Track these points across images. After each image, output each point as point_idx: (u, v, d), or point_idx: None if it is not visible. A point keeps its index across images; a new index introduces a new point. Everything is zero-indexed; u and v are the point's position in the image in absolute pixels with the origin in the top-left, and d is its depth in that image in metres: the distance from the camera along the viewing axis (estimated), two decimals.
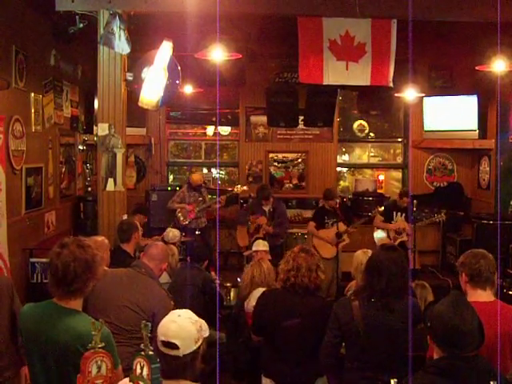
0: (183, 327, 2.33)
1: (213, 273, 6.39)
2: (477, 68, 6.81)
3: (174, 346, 2.29)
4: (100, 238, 4.52)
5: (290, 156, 10.02)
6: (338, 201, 7.88)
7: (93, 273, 2.70)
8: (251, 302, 4.57)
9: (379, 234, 7.67)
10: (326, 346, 3.36)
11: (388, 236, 7.46)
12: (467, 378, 2.29)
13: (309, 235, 8.17)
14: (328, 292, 7.56)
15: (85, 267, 2.65)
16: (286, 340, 3.68)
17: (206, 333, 2.44)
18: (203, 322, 2.46)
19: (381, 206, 7.70)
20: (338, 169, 10.55)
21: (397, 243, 7.23)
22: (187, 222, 8.04)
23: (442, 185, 9.95)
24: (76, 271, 2.62)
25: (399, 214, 7.41)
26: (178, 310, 2.46)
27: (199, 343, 2.36)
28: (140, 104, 5.51)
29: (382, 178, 10.90)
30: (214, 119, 10.31)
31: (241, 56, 6.30)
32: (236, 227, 8.33)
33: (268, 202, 7.91)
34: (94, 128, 7.80)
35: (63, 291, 2.65)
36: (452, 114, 9.33)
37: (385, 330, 3.17)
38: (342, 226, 7.49)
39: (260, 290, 4.45)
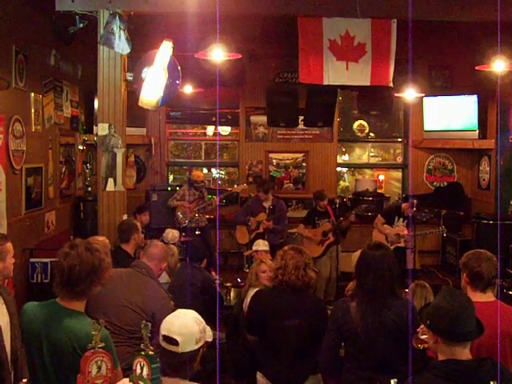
0: (187, 325, 2.34)
1: (213, 273, 6.39)
2: (477, 68, 6.80)
3: (175, 342, 2.29)
4: (101, 238, 4.53)
5: (290, 156, 10.03)
6: (337, 201, 7.87)
7: (98, 277, 2.70)
8: (248, 303, 4.57)
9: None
10: (325, 348, 3.37)
11: (386, 239, 7.43)
12: (472, 383, 2.29)
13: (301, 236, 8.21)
14: (326, 291, 7.58)
15: (90, 271, 2.65)
16: (277, 338, 3.68)
17: (210, 338, 2.44)
18: (208, 326, 2.46)
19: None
20: (338, 169, 10.55)
21: (392, 248, 7.22)
22: (187, 221, 8.03)
23: (442, 185, 9.95)
24: (81, 274, 2.62)
25: (401, 219, 7.37)
26: (185, 310, 2.46)
27: (200, 344, 2.36)
28: (140, 104, 5.50)
29: (382, 177, 10.92)
30: (214, 119, 10.31)
31: (241, 56, 6.29)
32: (235, 226, 8.35)
33: (268, 198, 7.91)
34: (94, 128, 7.80)
35: (67, 292, 2.66)
36: (452, 114, 9.33)
37: (383, 329, 3.17)
38: (327, 225, 7.59)
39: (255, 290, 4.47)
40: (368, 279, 3.20)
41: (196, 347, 2.34)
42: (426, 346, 2.76)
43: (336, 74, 5.92)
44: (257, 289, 4.53)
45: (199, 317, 2.45)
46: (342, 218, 7.61)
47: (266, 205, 7.91)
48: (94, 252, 2.70)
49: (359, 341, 3.18)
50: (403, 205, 7.40)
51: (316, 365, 3.64)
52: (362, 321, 3.18)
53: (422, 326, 2.68)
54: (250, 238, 7.76)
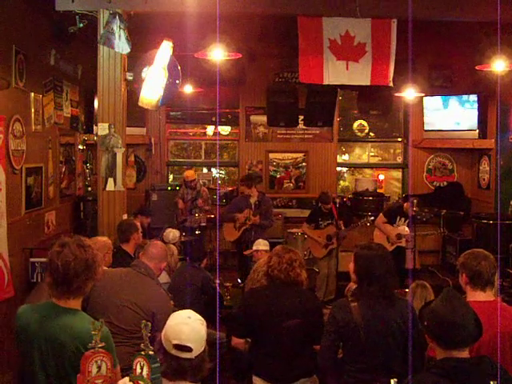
0: (195, 329, 2.32)
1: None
2: (477, 68, 6.80)
3: (188, 349, 2.27)
4: (104, 239, 4.53)
5: (290, 156, 10.03)
6: (337, 201, 7.89)
7: (92, 272, 2.69)
8: None
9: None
10: (324, 349, 3.33)
11: (387, 239, 7.43)
12: (471, 380, 2.29)
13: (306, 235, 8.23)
14: (326, 291, 7.59)
15: (85, 267, 2.64)
16: (273, 338, 3.65)
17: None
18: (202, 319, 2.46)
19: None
20: (338, 169, 10.56)
21: (393, 247, 7.21)
22: (184, 219, 8.17)
23: (441, 185, 9.95)
24: (76, 270, 2.61)
25: (403, 219, 7.36)
26: (185, 312, 2.43)
27: (205, 343, 2.36)
28: (140, 104, 5.50)
29: (382, 177, 10.93)
30: (213, 119, 10.31)
31: (241, 56, 6.29)
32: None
33: (253, 194, 7.85)
34: (94, 128, 7.79)
35: (62, 290, 2.65)
36: (452, 114, 9.34)
37: (385, 331, 3.14)
38: (332, 229, 7.60)
39: None
40: (373, 280, 3.17)
41: (203, 348, 2.33)
42: None
43: (336, 73, 5.92)
44: None
45: (199, 315, 2.44)
46: (344, 228, 7.60)
47: (252, 201, 7.88)
48: (87, 248, 2.69)
49: (360, 343, 3.15)
50: (405, 204, 7.39)
51: (312, 367, 3.62)
52: (364, 321, 3.15)
53: None
54: (238, 234, 7.77)
